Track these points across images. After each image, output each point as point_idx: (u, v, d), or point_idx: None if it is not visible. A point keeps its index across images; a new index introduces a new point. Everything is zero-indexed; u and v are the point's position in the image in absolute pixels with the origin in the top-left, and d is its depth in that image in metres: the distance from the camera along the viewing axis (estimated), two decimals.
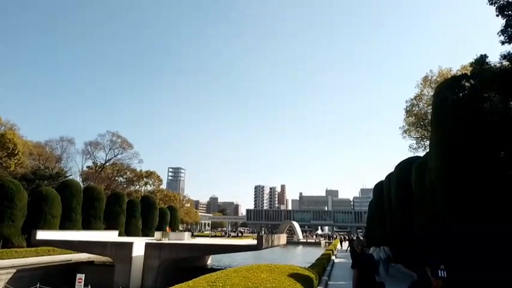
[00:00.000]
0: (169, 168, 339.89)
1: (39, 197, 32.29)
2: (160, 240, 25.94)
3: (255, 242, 22.90)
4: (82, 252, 26.01)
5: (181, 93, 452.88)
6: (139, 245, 22.83)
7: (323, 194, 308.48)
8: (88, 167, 60.57)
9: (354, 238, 34.18)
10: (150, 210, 48.53)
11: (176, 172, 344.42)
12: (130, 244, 22.52)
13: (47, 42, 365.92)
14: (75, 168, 60.24)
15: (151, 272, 21.90)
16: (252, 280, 8.12)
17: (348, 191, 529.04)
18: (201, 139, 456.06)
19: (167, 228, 35.09)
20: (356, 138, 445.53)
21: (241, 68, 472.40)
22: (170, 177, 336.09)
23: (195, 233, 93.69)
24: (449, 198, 10.45)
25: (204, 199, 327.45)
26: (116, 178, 61.60)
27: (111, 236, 30.40)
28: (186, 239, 26.67)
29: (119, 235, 36.09)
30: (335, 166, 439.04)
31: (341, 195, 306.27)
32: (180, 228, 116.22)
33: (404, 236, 18.57)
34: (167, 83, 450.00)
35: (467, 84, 11.44)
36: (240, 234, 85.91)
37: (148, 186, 66.59)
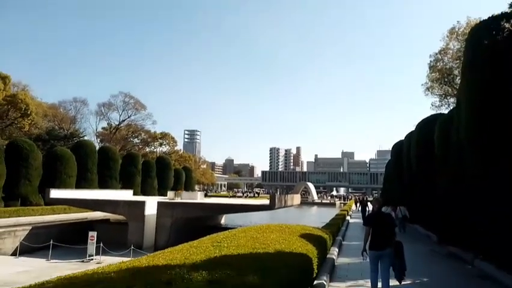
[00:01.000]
0: (185, 130, 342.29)
1: (55, 157, 32.50)
2: (172, 199, 25.94)
3: (268, 202, 22.54)
4: (95, 210, 26.32)
5: (195, 54, 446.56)
6: (151, 204, 22.81)
7: (339, 156, 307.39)
8: (103, 128, 60.87)
9: (366, 199, 33.82)
10: (165, 170, 48.86)
11: (192, 135, 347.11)
12: (142, 203, 22.50)
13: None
14: (89, 129, 60.48)
15: (164, 230, 21.99)
16: (260, 240, 7.51)
17: (365, 153, 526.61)
18: (216, 102, 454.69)
19: (181, 189, 35.27)
20: (373, 100, 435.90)
21: (257, 30, 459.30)
22: (186, 140, 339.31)
23: (210, 194, 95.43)
24: (479, 157, 9.41)
25: (220, 161, 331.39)
26: (131, 139, 61.89)
27: (125, 195, 30.64)
28: (199, 198, 26.61)
29: (135, 194, 36.45)
30: (351, 128, 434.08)
31: (357, 157, 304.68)
32: (197, 188, 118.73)
33: (424, 197, 17.74)
34: (180, 44, 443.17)
35: (506, 25, 9.98)
36: (256, 195, 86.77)
37: (163, 147, 66.98)
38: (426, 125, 18.74)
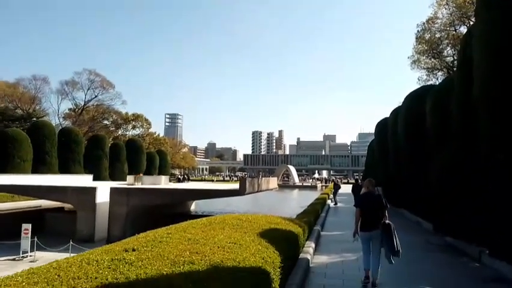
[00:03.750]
0: (166, 114, 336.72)
1: (5, 139, 29.19)
2: (132, 184, 23.21)
3: (237, 186, 20.08)
4: (39, 198, 23.16)
5: (174, 35, 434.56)
6: (104, 191, 20.01)
7: (321, 139, 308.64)
8: (69, 109, 56.71)
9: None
10: (137, 154, 45.85)
11: (173, 118, 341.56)
12: (93, 189, 19.64)
13: None
14: (51, 109, 55.52)
15: (118, 220, 19.32)
16: (199, 245, 5.11)
17: (346, 136, 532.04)
18: (199, 86, 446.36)
19: (140, 173, 32.41)
20: (354, 81, 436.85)
21: (238, 11, 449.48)
22: (167, 124, 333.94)
23: (193, 178, 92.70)
24: (499, 123, 7.16)
25: (202, 145, 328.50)
26: (101, 121, 57.96)
27: (83, 180, 27.61)
28: (163, 183, 24.00)
29: (100, 180, 33.50)
30: (333, 111, 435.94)
31: (339, 140, 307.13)
32: (177, 172, 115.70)
33: (413, 178, 15.70)
34: (158, 23, 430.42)
35: None
36: (236, 179, 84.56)
37: (137, 130, 63.33)
38: (416, 98, 16.58)
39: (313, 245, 9.29)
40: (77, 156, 36.58)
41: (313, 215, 13.81)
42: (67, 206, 23.64)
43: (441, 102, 12.39)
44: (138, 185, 22.90)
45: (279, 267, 5.20)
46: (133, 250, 4.82)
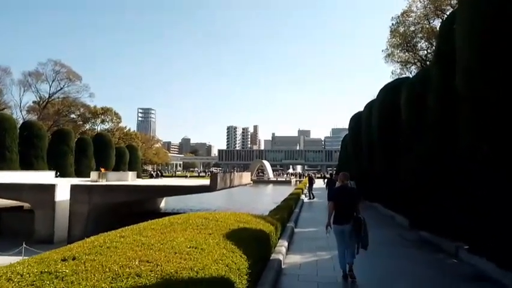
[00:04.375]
0: (138, 109, 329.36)
1: None
2: (96, 181, 21.94)
3: (209, 182, 19.24)
4: None
5: (146, 27, 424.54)
6: (66, 188, 18.70)
7: (295, 134, 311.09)
8: (34, 102, 53.66)
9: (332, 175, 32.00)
10: (105, 149, 44.03)
11: (146, 113, 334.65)
12: (52, 187, 18.32)
13: None
14: (13, 102, 52.05)
15: (79, 219, 18.08)
16: (153, 250, 4.42)
17: (320, 131, 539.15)
18: (173, 80, 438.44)
19: (102, 169, 30.86)
20: (329, 77, 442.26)
21: (213, 4, 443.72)
22: (140, 119, 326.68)
23: (166, 174, 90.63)
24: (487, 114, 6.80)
25: (176, 140, 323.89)
26: (67, 115, 55.22)
27: (46, 177, 25.98)
28: (130, 179, 22.85)
29: (65, 176, 31.79)
30: (308, 106, 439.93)
31: (313, 135, 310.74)
32: (150, 168, 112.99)
33: (387, 172, 15.50)
34: (130, 15, 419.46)
35: None
36: (210, 174, 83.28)
37: (106, 124, 60.83)
38: (391, 90, 16.36)
39: (286, 243, 8.74)
40: (40, 152, 34.57)
41: (287, 211, 13.30)
42: (27, 204, 22.13)
43: (417, 94, 12.13)
44: (102, 182, 21.63)
45: (246, 274, 4.58)
46: (73, 259, 4.08)
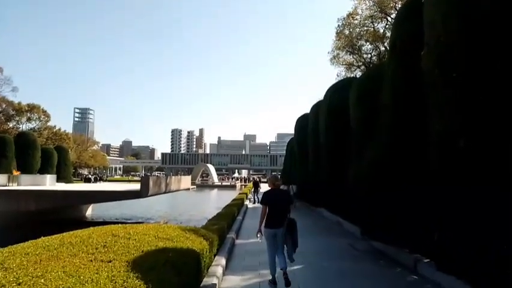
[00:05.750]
0: (75, 108, 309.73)
1: None
2: (4, 185, 18.75)
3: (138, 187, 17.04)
4: None
5: (87, 23, 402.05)
6: None
7: (242, 138, 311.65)
8: None
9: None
10: (29, 150, 39.28)
11: (83, 113, 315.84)
12: None
13: None
14: None
15: None
16: None
17: (266, 136, 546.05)
18: (113, 79, 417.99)
19: (14, 171, 27.23)
20: (275, 81, 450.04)
21: (159, 2, 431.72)
22: (77, 119, 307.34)
23: (107, 178, 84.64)
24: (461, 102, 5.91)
25: (116, 143, 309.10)
26: None
27: None
28: (48, 183, 19.93)
29: None
30: (253, 111, 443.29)
31: (259, 140, 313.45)
32: (86, 172, 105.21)
33: (334, 175, 14.64)
34: (69, 11, 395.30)
35: None
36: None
37: (33, 122, 54.82)
38: (340, 89, 15.62)
39: (223, 261, 7.24)
40: None
41: (228, 219, 11.85)
42: None
43: (368, 92, 11.35)
44: (12, 186, 18.50)
45: None
46: None
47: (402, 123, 7.82)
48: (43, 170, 39.91)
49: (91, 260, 3.90)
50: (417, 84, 7.36)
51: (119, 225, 6.31)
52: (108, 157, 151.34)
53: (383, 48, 23.82)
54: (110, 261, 3.93)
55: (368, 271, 7.37)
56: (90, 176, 66.71)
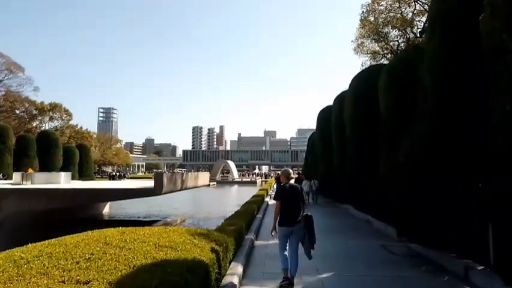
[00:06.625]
0: (99, 108, 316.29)
1: None
2: (19, 184, 18.47)
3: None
4: None
5: (110, 25, 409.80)
6: None
7: (262, 134, 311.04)
8: None
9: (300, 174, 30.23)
10: (51, 148, 39.68)
11: (107, 113, 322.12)
12: None
13: None
14: None
15: None
16: None
17: (286, 132, 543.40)
18: (136, 79, 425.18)
19: (29, 169, 27.21)
20: (296, 77, 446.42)
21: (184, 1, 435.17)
22: (101, 119, 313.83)
23: (131, 175, 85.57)
24: None
25: (139, 141, 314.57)
26: (10, 110, 49.46)
27: None
28: (63, 182, 19.53)
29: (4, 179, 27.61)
30: (274, 107, 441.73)
31: (279, 136, 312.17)
32: (110, 170, 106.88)
33: (362, 170, 13.46)
34: (92, 12, 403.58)
35: None
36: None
37: (55, 121, 55.52)
38: (367, 78, 14.36)
39: (240, 269, 6.28)
40: None
41: (247, 218, 10.91)
42: None
43: (402, 77, 10.15)
44: (26, 185, 18.17)
45: None
46: None
47: (447, 109, 6.63)
48: (65, 168, 40.22)
49: (63, 282, 3.01)
50: (468, 62, 6.19)
51: (119, 228, 5.48)
52: (131, 155, 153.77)
53: (412, 35, 22.25)
54: (87, 283, 3.04)
55: (411, 280, 6.26)
56: (113, 173, 67.52)
